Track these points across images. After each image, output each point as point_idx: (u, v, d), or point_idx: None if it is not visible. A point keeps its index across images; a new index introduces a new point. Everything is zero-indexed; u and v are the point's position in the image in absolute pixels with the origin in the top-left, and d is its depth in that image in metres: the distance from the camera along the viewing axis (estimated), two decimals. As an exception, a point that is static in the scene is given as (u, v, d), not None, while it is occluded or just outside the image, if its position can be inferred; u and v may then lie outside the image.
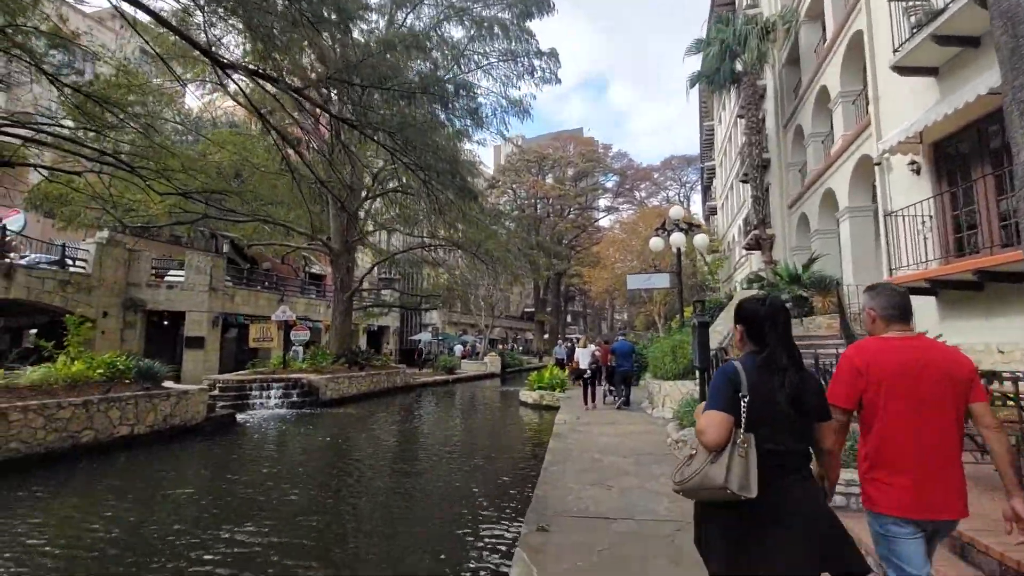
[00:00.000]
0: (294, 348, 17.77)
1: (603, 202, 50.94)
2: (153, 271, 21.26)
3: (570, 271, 42.84)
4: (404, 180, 16.84)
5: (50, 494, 6.77)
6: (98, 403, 9.20)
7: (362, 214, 21.94)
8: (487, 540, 4.68)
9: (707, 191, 43.15)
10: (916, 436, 1.96)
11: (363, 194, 20.64)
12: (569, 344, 16.78)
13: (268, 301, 23.26)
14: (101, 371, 10.39)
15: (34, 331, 17.84)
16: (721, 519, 1.80)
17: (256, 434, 11.25)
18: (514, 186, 41.54)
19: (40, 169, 10.65)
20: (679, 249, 11.03)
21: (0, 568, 4.37)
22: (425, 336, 32.32)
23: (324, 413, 14.19)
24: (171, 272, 21.95)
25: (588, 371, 11.82)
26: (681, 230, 10.93)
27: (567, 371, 17.12)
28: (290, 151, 9.87)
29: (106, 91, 10.18)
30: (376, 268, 35.11)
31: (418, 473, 7.85)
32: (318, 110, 9.49)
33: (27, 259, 18.81)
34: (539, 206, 45.36)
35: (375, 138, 8.24)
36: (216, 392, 14.60)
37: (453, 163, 8.58)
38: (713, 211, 36.98)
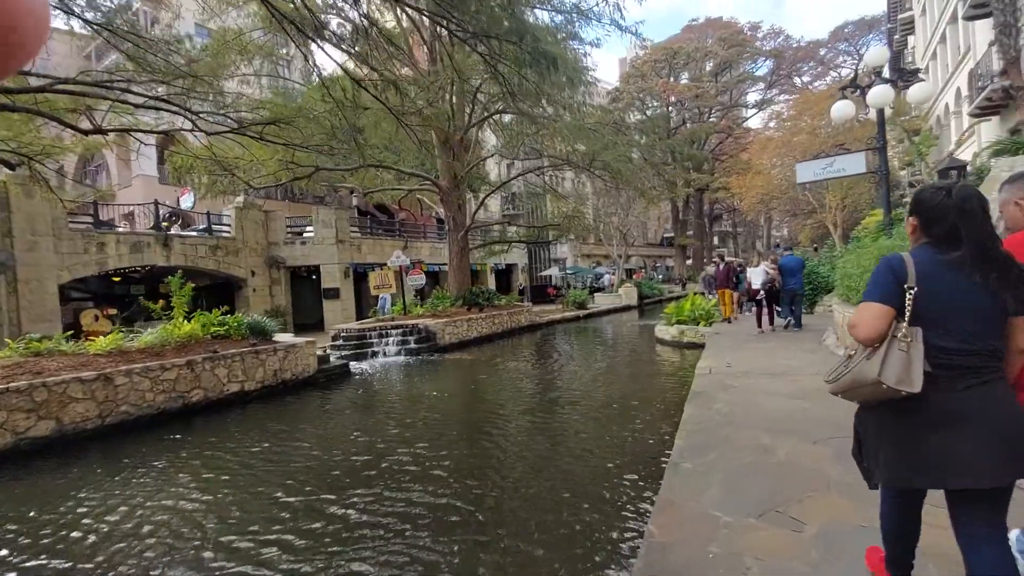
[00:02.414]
0: (381, 298, 17.23)
1: (753, 96, 42.83)
2: (289, 229, 22.32)
3: (714, 184, 37.17)
4: (503, 95, 14.54)
5: (164, 457, 6.56)
6: (203, 362, 9.03)
7: (469, 150, 20.31)
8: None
9: (898, 59, 33.55)
10: None
11: (466, 121, 18.86)
12: (717, 266, 13.62)
13: (393, 248, 23.28)
14: (215, 329, 10.40)
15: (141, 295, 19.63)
16: (884, 422, 1.70)
17: (364, 387, 10.63)
18: (641, 94, 36.43)
19: (137, 134, 10.49)
20: (882, 112, 7.33)
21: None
22: (554, 271, 30.61)
23: (439, 360, 13.35)
24: (306, 229, 22.88)
25: (762, 292, 10.82)
26: (886, 81, 7.15)
27: (714, 300, 14.08)
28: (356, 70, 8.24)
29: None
30: (498, 204, 33.92)
31: (506, 446, 6.16)
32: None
33: (197, 230, 20.89)
34: (673, 113, 39.59)
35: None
36: (340, 341, 14.61)
37: (517, 21, 6.16)
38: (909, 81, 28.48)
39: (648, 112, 36.97)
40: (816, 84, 39.44)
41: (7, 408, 6.74)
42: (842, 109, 7.84)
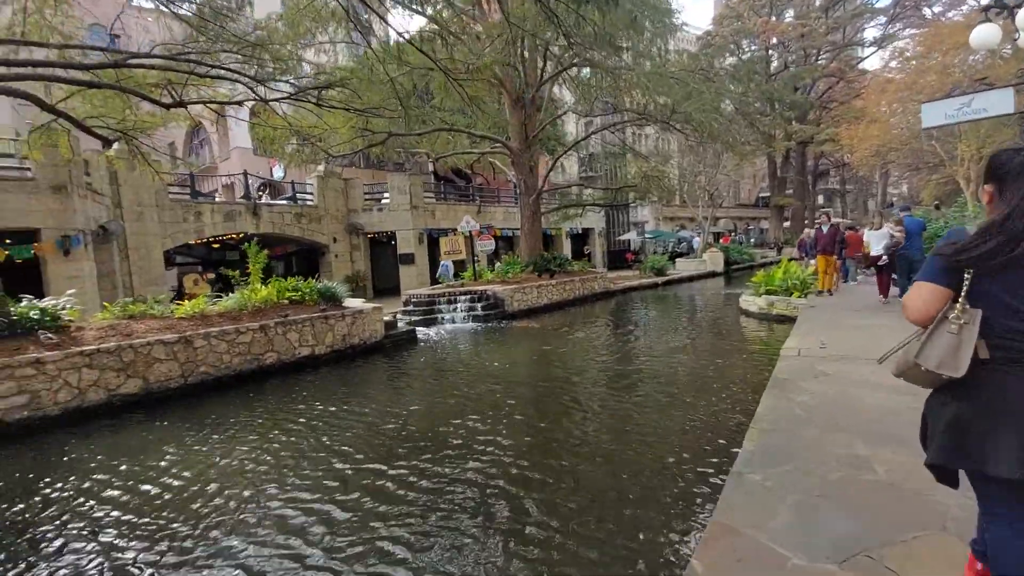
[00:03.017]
0: (443, 264, 17.02)
1: (870, 33, 37.42)
2: (367, 196, 22.88)
3: (820, 136, 33.17)
4: (556, 38, 13.22)
5: (240, 412, 7.03)
6: (275, 327, 9.39)
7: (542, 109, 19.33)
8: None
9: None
10: None
11: (538, 77, 17.91)
12: (819, 228, 11.95)
13: (467, 213, 23.23)
14: (290, 295, 10.78)
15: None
16: (943, 405, 1.62)
17: (428, 355, 10.62)
18: (736, 37, 32.89)
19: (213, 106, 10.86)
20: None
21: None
22: (632, 235, 29.13)
23: (506, 327, 13.10)
24: (384, 196, 23.37)
25: (884, 257, 9.69)
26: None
27: (812, 268, 12.51)
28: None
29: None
30: (576, 167, 32.67)
31: (563, 425, 5.71)
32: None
33: (285, 198, 22.10)
34: (774, 57, 35.49)
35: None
36: (410, 307, 14.80)
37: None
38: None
39: (743, 57, 33.35)
40: (950, 15, 33.47)
41: (99, 367, 7.34)
42: (984, 34, 6.19)
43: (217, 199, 21.00)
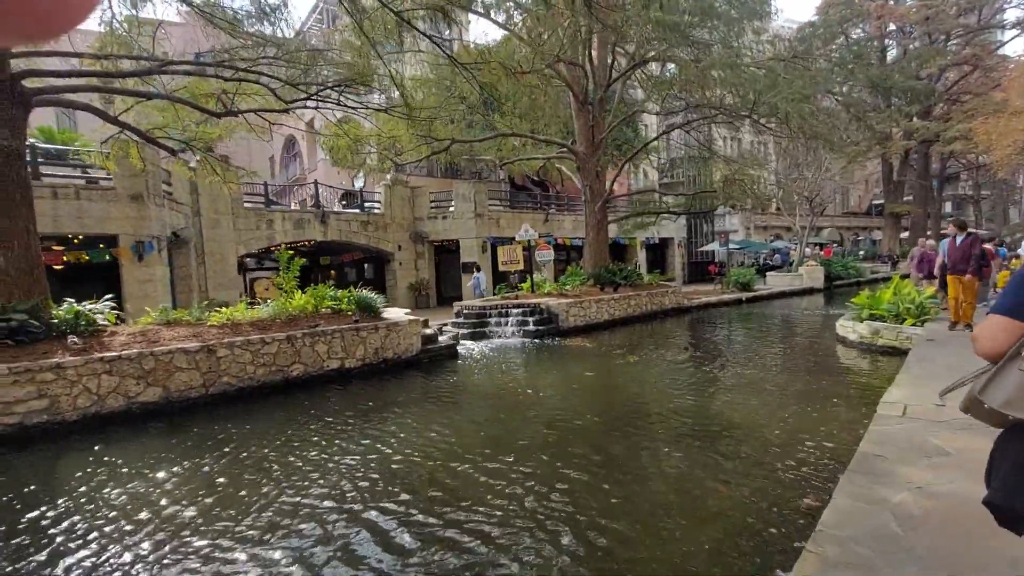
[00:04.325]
0: (474, 277, 16.03)
1: (1013, 13, 31.85)
2: (433, 204, 22.75)
3: (948, 134, 28.55)
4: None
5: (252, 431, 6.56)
6: (302, 338, 9.02)
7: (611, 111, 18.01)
8: None
9: None
10: None
11: (608, 76, 16.69)
12: (952, 238, 9.41)
13: (533, 222, 22.37)
14: (329, 304, 10.47)
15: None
16: (1009, 442, 1.46)
17: (464, 374, 9.80)
18: (844, 25, 29.25)
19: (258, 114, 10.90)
20: None
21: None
22: (714, 246, 26.61)
23: (556, 346, 11.98)
24: (451, 204, 23.15)
25: None
26: None
27: (930, 289, 10.19)
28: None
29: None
30: (655, 172, 30.69)
31: (577, 486, 4.55)
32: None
33: (355, 206, 22.59)
34: (893, 46, 31.24)
35: None
36: (460, 319, 14.14)
37: None
38: None
39: (853, 46, 29.62)
40: None
41: (120, 374, 7.25)
42: None
43: (293, 207, 21.86)
